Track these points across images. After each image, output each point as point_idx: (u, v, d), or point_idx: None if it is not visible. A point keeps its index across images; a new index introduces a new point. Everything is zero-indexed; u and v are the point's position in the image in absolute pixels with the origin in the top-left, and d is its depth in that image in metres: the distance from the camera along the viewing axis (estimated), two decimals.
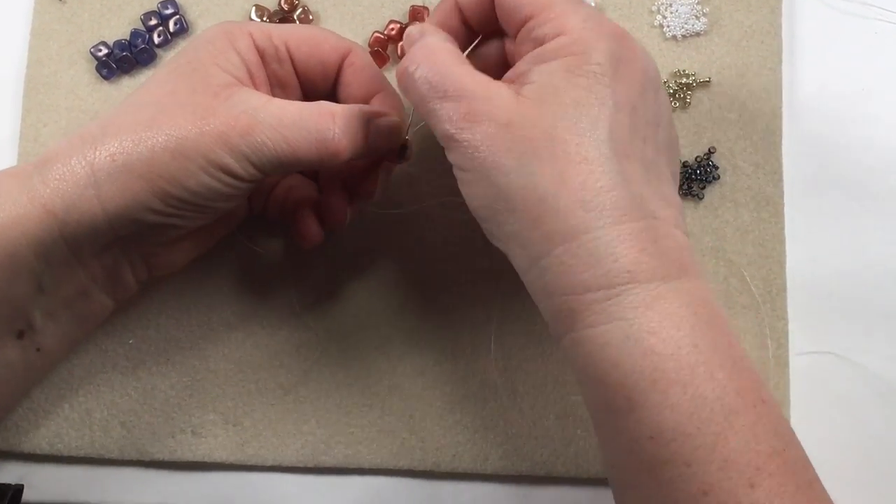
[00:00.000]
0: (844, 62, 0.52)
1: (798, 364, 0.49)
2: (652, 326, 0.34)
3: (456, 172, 0.38)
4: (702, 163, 0.50)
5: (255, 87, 0.42)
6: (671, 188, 0.38)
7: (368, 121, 0.41)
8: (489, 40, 0.43)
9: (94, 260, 0.41)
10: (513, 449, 0.48)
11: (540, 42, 0.38)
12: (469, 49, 0.43)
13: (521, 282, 0.48)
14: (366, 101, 0.44)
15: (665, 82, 0.50)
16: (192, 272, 0.49)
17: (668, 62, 0.51)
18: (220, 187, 0.39)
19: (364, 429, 0.48)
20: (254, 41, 0.42)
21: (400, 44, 0.51)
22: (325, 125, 0.40)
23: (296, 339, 0.49)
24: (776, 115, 0.50)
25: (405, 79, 0.39)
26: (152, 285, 0.49)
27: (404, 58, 0.40)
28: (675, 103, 0.50)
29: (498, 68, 0.42)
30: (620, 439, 0.35)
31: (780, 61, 0.51)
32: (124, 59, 0.51)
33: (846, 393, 0.49)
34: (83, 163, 0.38)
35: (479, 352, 0.49)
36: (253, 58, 0.42)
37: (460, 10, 0.42)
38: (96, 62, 0.51)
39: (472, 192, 0.38)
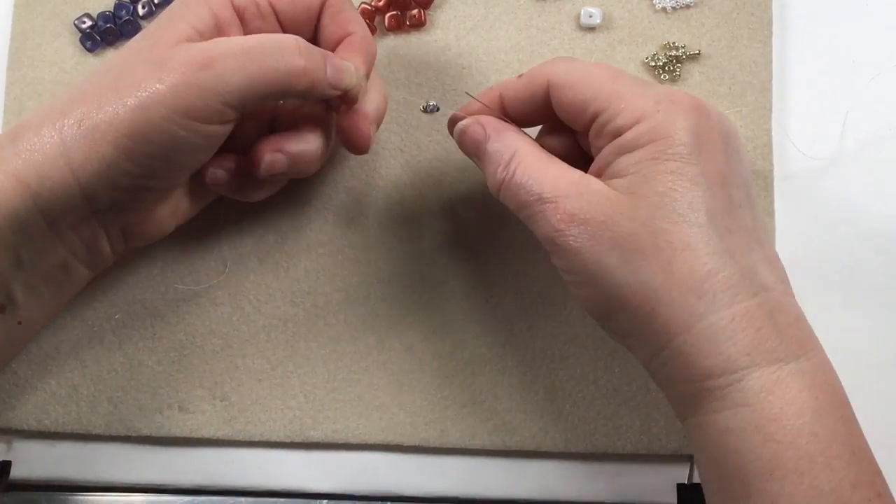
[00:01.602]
0: (834, 34, 0.51)
1: None
2: (773, 413, 0.34)
3: (563, 275, 0.38)
4: None
5: None
6: (772, 247, 0.38)
7: (326, 55, 0.41)
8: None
9: (71, 233, 0.40)
10: (501, 424, 0.48)
11: (617, 133, 0.37)
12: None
13: (508, 258, 0.49)
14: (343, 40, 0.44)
15: (654, 55, 0.50)
16: (179, 247, 0.49)
17: (658, 34, 0.50)
18: (186, 136, 0.38)
19: (352, 404, 0.48)
20: (232, 1, 0.42)
21: (389, 15, 0.50)
22: (287, 44, 0.39)
23: (283, 313, 0.49)
24: (766, 88, 0.50)
25: (500, 188, 0.39)
26: (139, 261, 0.49)
27: (491, 164, 0.40)
28: (664, 76, 0.50)
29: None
30: None
31: (770, 33, 0.50)
32: (108, 30, 0.50)
33: (837, 368, 0.49)
34: (52, 132, 0.38)
35: (468, 327, 0.49)
36: (226, 14, 0.41)
37: (502, 102, 0.42)
38: (80, 34, 0.51)
39: (582, 294, 0.38)
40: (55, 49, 0.51)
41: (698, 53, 0.50)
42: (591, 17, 0.50)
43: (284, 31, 0.44)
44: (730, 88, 0.50)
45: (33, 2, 0.51)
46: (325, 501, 0.49)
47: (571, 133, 0.41)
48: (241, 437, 0.48)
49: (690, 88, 0.50)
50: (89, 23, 0.51)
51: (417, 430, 0.48)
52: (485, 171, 0.41)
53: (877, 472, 0.35)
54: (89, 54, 0.51)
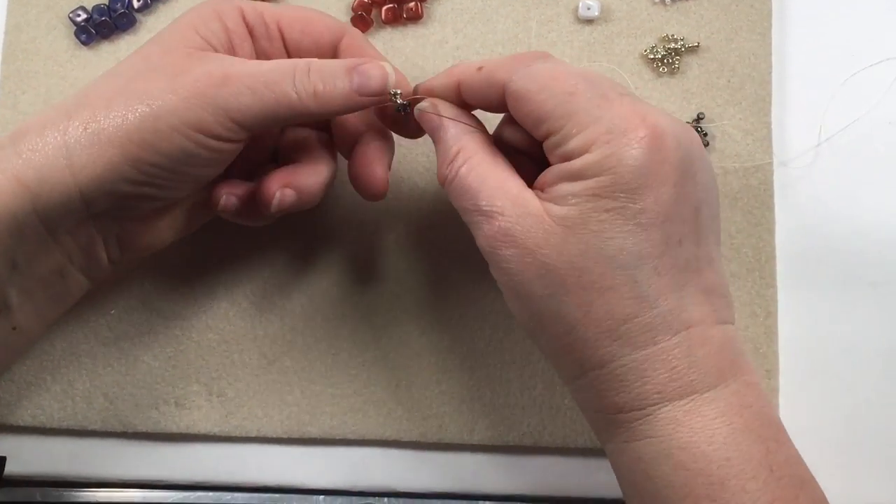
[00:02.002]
0: (834, 26, 0.51)
1: (787, 332, 0.48)
2: (682, 442, 0.35)
3: (498, 283, 0.38)
4: None
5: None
6: (713, 272, 0.37)
7: (352, 68, 0.40)
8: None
9: (68, 237, 0.40)
10: (500, 419, 0.48)
11: (566, 157, 0.36)
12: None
13: None
14: None
15: (653, 47, 0.50)
16: (176, 242, 0.49)
17: (657, 27, 0.50)
18: (194, 149, 0.38)
19: (349, 399, 0.48)
20: (244, 17, 0.41)
21: (385, 7, 0.50)
22: (300, 69, 0.39)
23: (279, 308, 0.49)
24: (765, 81, 0.50)
25: (443, 184, 0.39)
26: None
27: (439, 156, 0.40)
28: (663, 69, 0.50)
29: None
30: None
31: (769, 25, 0.50)
32: (103, 23, 0.50)
33: (835, 361, 0.49)
34: (56, 133, 0.37)
35: (465, 321, 0.48)
36: (240, 31, 0.41)
37: (459, 91, 0.41)
38: (75, 27, 0.50)
39: (512, 306, 0.38)
40: (50, 42, 0.51)
41: (697, 46, 0.50)
42: (589, 9, 0.50)
43: (290, 57, 0.43)
44: (729, 81, 0.50)
45: None
46: (322, 497, 0.48)
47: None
48: (237, 433, 0.48)
49: (689, 81, 0.50)
50: (84, 16, 0.50)
51: (415, 426, 0.48)
52: (437, 159, 0.40)
53: (802, 485, 0.35)
54: (84, 47, 0.50)
